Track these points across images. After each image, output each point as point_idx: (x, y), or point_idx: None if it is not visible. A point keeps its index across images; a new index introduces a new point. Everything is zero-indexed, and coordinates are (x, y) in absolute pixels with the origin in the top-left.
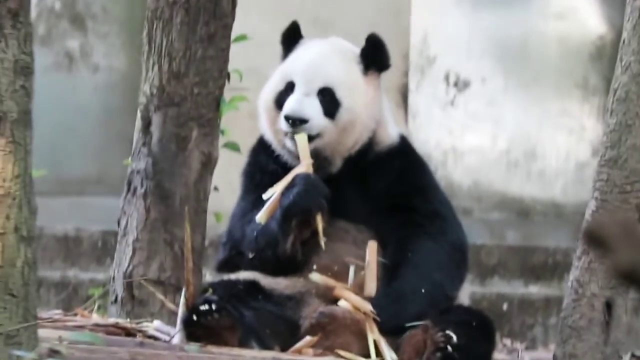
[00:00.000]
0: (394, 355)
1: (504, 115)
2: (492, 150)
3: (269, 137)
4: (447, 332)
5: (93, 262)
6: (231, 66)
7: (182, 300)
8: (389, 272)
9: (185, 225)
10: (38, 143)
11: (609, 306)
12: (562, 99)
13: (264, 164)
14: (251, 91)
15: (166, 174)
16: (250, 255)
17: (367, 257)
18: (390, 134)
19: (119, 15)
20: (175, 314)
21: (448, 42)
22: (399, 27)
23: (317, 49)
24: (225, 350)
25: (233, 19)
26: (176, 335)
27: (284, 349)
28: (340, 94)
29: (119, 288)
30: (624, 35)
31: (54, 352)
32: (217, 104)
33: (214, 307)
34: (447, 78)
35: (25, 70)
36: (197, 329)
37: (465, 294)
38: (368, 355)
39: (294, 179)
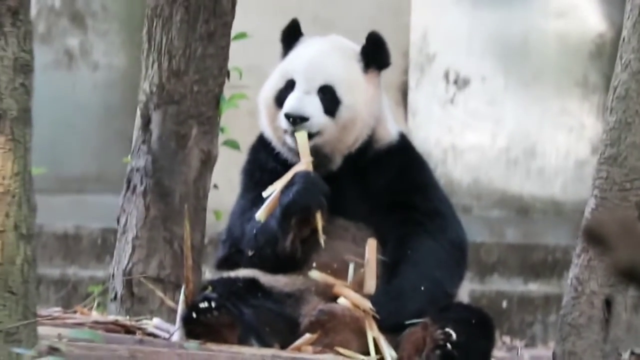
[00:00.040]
0: (394, 353)
1: (503, 113)
2: (491, 148)
3: (269, 134)
4: (447, 329)
5: (92, 260)
6: (231, 64)
7: (181, 297)
8: (388, 270)
9: (184, 223)
10: (38, 141)
11: (608, 304)
12: (562, 96)
13: (264, 162)
14: (251, 89)
15: (166, 172)
16: (250, 253)
17: (367, 255)
18: (390, 132)
19: (119, 13)
20: (174, 311)
21: (448, 40)
22: (398, 25)
23: (318, 47)
24: (224, 347)
25: (233, 17)
26: (176, 332)
27: (284, 346)
28: (340, 91)
29: (118, 286)
30: (624, 33)
31: (53, 349)
32: (216, 101)
33: (213, 304)
34: (446, 76)
35: (25, 68)
36: (196, 327)
37: (465, 292)
38: (367, 353)
39: (293, 177)
